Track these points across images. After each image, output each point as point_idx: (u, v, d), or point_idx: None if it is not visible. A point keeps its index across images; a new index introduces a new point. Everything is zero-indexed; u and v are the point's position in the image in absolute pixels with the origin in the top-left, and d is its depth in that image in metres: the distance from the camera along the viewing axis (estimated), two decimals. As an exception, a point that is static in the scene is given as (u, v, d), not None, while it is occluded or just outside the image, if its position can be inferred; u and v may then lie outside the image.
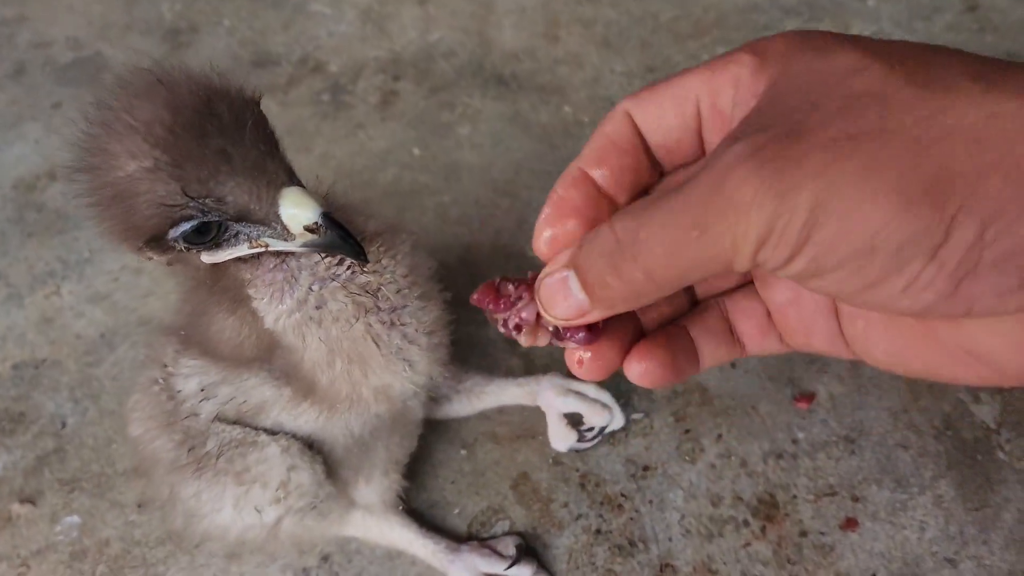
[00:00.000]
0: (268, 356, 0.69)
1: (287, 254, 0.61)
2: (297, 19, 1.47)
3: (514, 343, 1.03)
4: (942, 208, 0.36)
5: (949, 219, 0.36)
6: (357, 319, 0.63)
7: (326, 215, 0.55)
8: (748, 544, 0.89)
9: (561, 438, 0.93)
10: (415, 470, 0.95)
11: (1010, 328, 0.40)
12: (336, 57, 1.40)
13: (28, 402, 1.03)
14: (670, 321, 0.53)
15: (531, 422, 0.97)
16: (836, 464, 0.94)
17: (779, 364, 1.02)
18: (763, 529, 0.90)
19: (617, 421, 0.94)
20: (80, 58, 1.44)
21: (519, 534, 0.90)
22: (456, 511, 0.93)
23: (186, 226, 0.54)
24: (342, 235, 0.55)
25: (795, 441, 0.96)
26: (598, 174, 0.49)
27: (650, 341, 0.51)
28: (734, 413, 0.98)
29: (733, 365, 1.02)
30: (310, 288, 0.63)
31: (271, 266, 0.62)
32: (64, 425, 1.01)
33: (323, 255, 0.61)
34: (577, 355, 0.50)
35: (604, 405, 0.93)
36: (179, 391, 0.72)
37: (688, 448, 0.96)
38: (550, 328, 0.49)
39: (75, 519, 0.93)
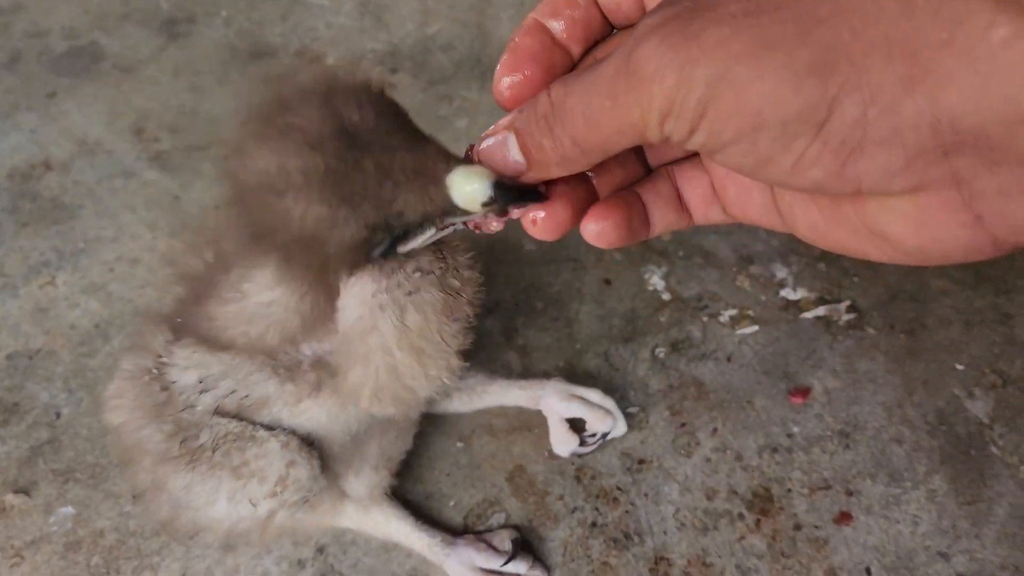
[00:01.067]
0: (274, 351, 0.68)
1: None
2: (295, 10, 1.46)
3: (511, 336, 1.03)
4: (825, 85, 0.36)
5: (831, 97, 0.37)
6: (443, 317, 0.64)
7: (497, 185, 0.52)
8: (743, 538, 0.89)
9: (563, 443, 0.93)
10: (412, 462, 0.95)
11: (905, 207, 0.41)
12: (333, 49, 1.40)
13: (22, 392, 1.03)
14: (624, 188, 0.55)
15: (527, 415, 0.97)
16: (830, 458, 0.94)
17: (774, 358, 1.02)
18: (758, 523, 0.90)
19: (620, 428, 0.94)
20: (76, 47, 1.43)
21: (515, 527, 0.90)
22: (452, 503, 0.93)
23: (380, 248, 0.55)
24: (516, 192, 0.52)
25: (790, 435, 0.96)
26: (553, 24, 0.51)
27: (605, 203, 0.53)
28: (729, 407, 0.98)
29: (729, 359, 1.02)
30: (411, 274, 0.62)
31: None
32: (58, 416, 1.00)
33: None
34: (532, 215, 0.52)
35: (607, 411, 0.92)
36: (174, 382, 0.72)
37: (683, 442, 0.96)
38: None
39: (69, 510, 0.93)
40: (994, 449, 0.94)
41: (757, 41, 0.37)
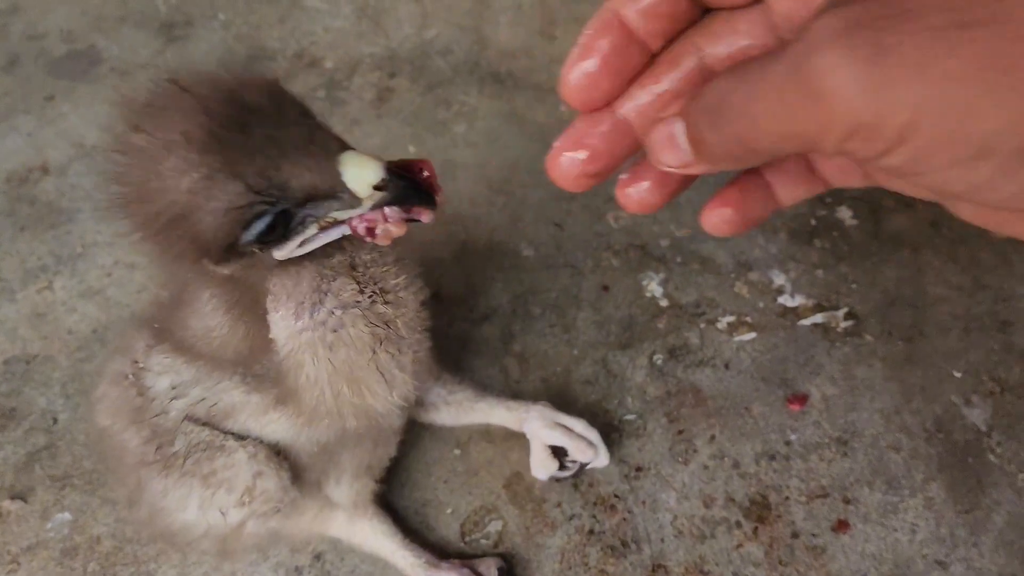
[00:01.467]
0: (246, 361, 0.68)
1: (322, 275, 0.61)
2: (293, 13, 1.46)
3: (509, 342, 1.03)
4: None
5: None
6: (373, 350, 0.63)
7: (389, 167, 0.53)
8: (740, 545, 0.89)
9: (542, 467, 0.91)
10: (409, 468, 0.95)
11: None
12: (331, 53, 1.39)
13: (19, 397, 1.02)
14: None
15: (525, 422, 0.97)
16: (828, 466, 0.94)
17: (772, 365, 1.02)
18: (755, 531, 0.90)
19: (601, 460, 0.91)
20: (74, 51, 1.43)
21: (502, 556, 0.89)
22: (449, 510, 0.93)
23: (260, 224, 0.52)
24: (410, 183, 0.54)
25: (788, 443, 0.96)
26: (631, 12, 0.47)
27: (726, 191, 0.50)
28: (727, 414, 0.98)
29: (727, 366, 1.02)
30: (332, 311, 0.62)
31: (303, 283, 0.61)
32: (56, 421, 1.00)
33: (371, 236, 0.57)
34: (628, 188, 0.50)
35: (590, 443, 0.91)
36: (149, 387, 0.71)
37: (681, 449, 0.96)
38: None
39: (66, 516, 0.93)
40: (992, 457, 0.94)
41: (980, 60, 0.33)
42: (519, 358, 1.04)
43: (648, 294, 1.09)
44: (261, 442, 0.72)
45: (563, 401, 0.99)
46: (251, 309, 0.64)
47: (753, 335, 1.05)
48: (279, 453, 0.74)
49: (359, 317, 0.63)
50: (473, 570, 0.85)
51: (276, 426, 0.71)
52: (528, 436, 0.92)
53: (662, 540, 0.90)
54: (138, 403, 0.71)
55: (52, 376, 1.04)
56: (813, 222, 1.15)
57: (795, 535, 0.90)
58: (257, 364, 0.68)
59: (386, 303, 0.64)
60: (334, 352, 0.63)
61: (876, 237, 1.13)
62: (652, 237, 1.14)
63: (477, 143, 1.25)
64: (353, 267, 0.63)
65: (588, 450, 0.90)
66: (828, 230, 1.13)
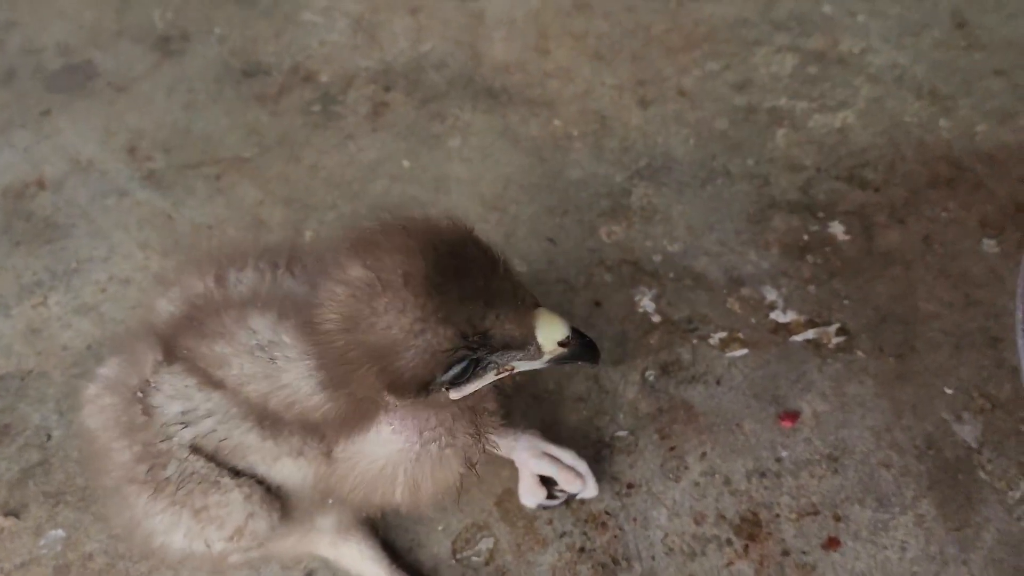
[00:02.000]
0: (310, 431, 0.70)
1: (453, 415, 0.66)
2: (288, 28, 1.47)
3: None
4: None
5: None
6: (454, 479, 0.69)
7: (575, 328, 0.60)
8: (731, 563, 0.89)
9: (530, 495, 0.92)
10: (400, 486, 0.95)
11: None
12: (327, 66, 1.40)
13: (13, 413, 1.03)
14: None
15: (516, 438, 0.97)
16: (819, 483, 0.95)
17: (764, 382, 1.02)
18: (746, 548, 0.90)
19: (590, 490, 0.92)
20: (70, 64, 1.43)
21: None
22: (440, 527, 0.93)
23: (457, 368, 0.57)
24: (587, 344, 0.61)
25: (779, 459, 0.96)
26: None
27: None
28: (719, 431, 0.99)
29: (718, 382, 1.03)
30: (442, 445, 0.68)
31: (432, 417, 0.66)
32: (49, 437, 1.01)
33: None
34: None
35: (578, 474, 0.91)
36: (157, 407, 0.71)
37: (672, 466, 0.96)
38: None
39: (59, 532, 0.93)
40: (982, 474, 0.95)
41: None
42: (511, 375, 1.04)
43: (640, 310, 1.09)
44: (257, 482, 0.72)
45: (555, 418, 1.00)
46: (366, 415, 0.66)
47: (745, 351, 1.05)
48: (275, 493, 0.74)
49: (457, 452, 0.68)
50: None
51: (286, 472, 0.72)
52: (517, 464, 0.92)
53: (653, 558, 0.90)
54: (140, 421, 0.71)
55: (46, 392, 1.04)
56: (805, 237, 1.15)
57: (785, 553, 0.90)
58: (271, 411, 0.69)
59: (483, 440, 0.70)
60: (416, 469, 0.68)
61: (869, 253, 1.13)
62: (645, 252, 1.14)
63: (471, 158, 1.26)
64: (474, 411, 0.68)
65: (576, 480, 0.90)
66: (820, 245, 1.14)
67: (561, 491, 0.91)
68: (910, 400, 1.00)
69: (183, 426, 0.70)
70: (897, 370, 1.03)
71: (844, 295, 1.09)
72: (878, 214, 1.17)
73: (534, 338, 0.59)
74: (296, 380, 0.66)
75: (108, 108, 1.36)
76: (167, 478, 0.71)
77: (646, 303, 1.10)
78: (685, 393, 1.02)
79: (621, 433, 0.99)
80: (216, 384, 0.70)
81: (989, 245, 1.13)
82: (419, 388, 0.59)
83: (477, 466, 0.71)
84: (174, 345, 0.74)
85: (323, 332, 0.59)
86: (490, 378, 0.62)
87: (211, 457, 0.72)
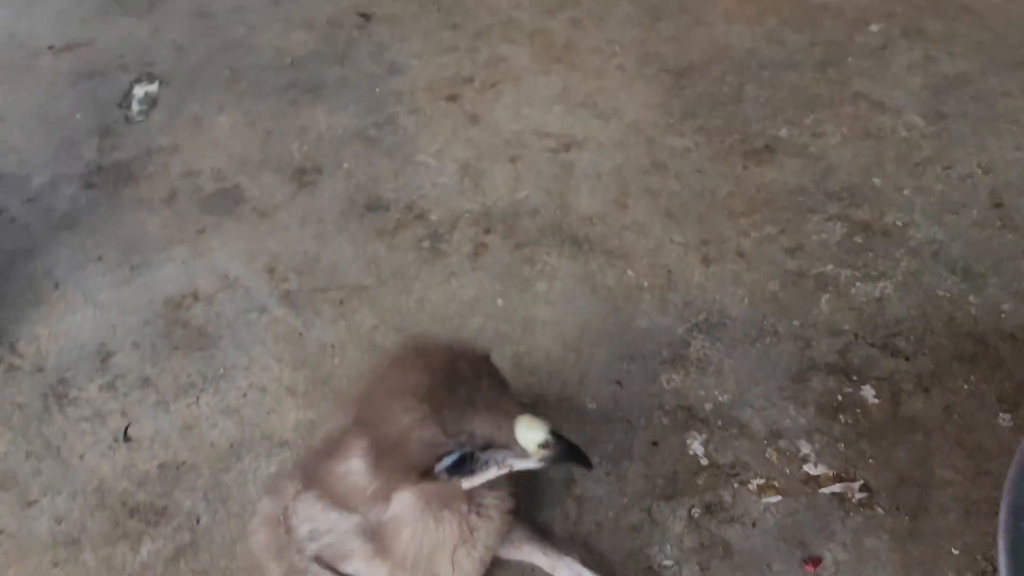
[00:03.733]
0: (366, 510, 0.90)
1: (450, 492, 0.83)
2: (406, 168, 1.71)
3: (570, 486, 1.23)
4: None
5: None
6: (450, 543, 0.87)
7: (554, 432, 0.76)
8: None
9: None
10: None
11: None
12: (437, 207, 1.64)
13: (170, 499, 1.26)
14: None
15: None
16: (834, 624, 1.11)
17: (793, 528, 1.19)
18: (766, 675, 1.07)
19: None
20: (222, 188, 1.70)
21: None
22: (511, 631, 1.12)
23: (448, 460, 0.76)
24: (569, 449, 0.77)
25: (800, 600, 1.14)
26: None
27: None
28: (750, 568, 1.16)
29: (754, 524, 1.20)
30: (442, 510, 0.86)
31: (436, 490, 0.84)
32: (198, 521, 1.23)
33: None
34: None
35: None
36: (294, 528, 0.94)
37: (709, 596, 1.14)
38: None
39: (204, 605, 1.16)
40: (977, 630, 1.10)
41: None
42: (578, 501, 1.24)
43: (691, 452, 1.28)
44: None
45: (612, 544, 1.19)
46: (391, 485, 0.87)
47: (779, 498, 1.23)
48: None
49: (456, 519, 0.87)
50: None
51: (372, 572, 0.93)
52: None
53: (687, 676, 1.08)
54: (283, 541, 0.94)
55: (196, 483, 1.28)
56: (839, 398, 1.33)
57: None
58: (369, 512, 0.90)
59: (478, 515, 0.87)
60: (427, 533, 0.87)
61: (894, 417, 1.30)
62: (698, 401, 1.34)
63: (555, 302, 1.47)
64: (470, 494, 0.86)
65: None
66: (852, 407, 1.31)
67: None
68: (920, 557, 1.16)
69: (311, 541, 0.93)
70: (911, 528, 1.19)
71: (869, 455, 1.26)
72: (906, 382, 1.34)
73: (516, 440, 0.76)
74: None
75: (252, 231, 1.62)
76: None
77: (696, 447, 1.29)
78: (725, 532, 1.20)
79: (667, 562, 1.17)
80: (336, 502, 0.92)
81: (1004, 419, 1.29)
82: (424, 472, 0.78)
83: (472, 538, 0.89)
84: (311, 474, 0.96)
85: (365, 423, 0.80)
86: (493, 473, 0.79)
87: (329, 566, 0.93)
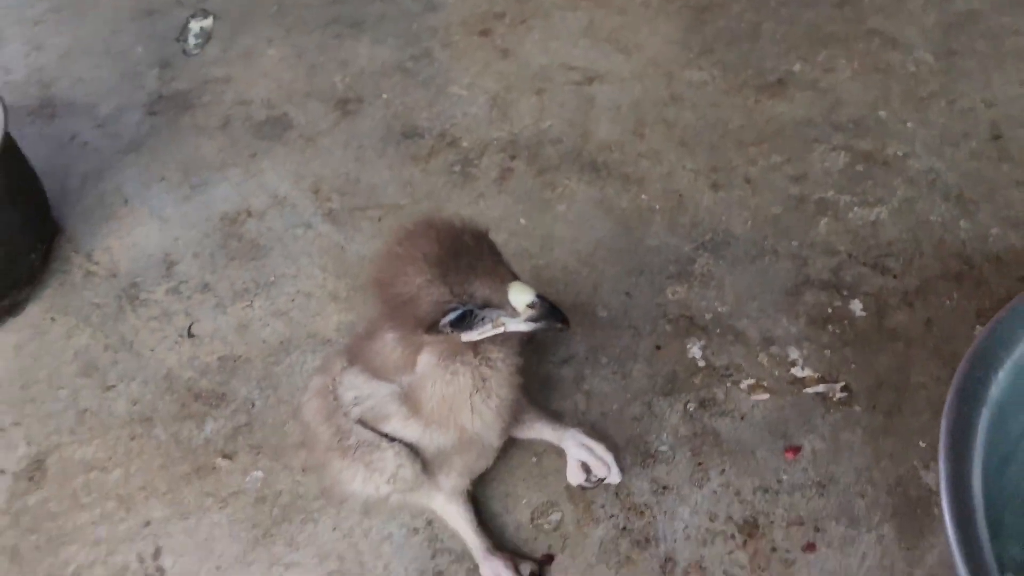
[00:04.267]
0: (399, 377, 1.06)
1: (461, 347, 0.98)
2: (440, 99, 1.85)
3: (580, 382, 1.38)
4: None
5: None
6: (467, 391, 1.01)
7: (539, 296, 0.90)
8: (731, 552, 1.22)
9: (573, 476, 1.26)
10: (499, 469, 1.30)
11: None
12: (467, 135, 1.78)
13: (228, 386, 1.44)
14: None
15: (585, 444, 1.32)
16: (807, 502, 1.26)
17: (777, 422, 1.34)
18: (744, 543, 1.23)
19: (614, 478, 1.25)
20: (272, 116, 1.85)
21: (539, 563, 1.22)
22: (524, 500, 1.29)
23: (452, 315, 0.90)
24: (551, 308, 0.91)
25: (779, 481, 1.28)
26: None
27: None
28: (737, 455, 1.31)
29: (742, 418, 1.35)
30: (455, 361, 1.00)
31: (448, 347, 0.99)
32: (253, 406, 1.41)
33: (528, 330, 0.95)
34: None
35: (606, 463, 1.24)
36: (340, 396, 1.11)
37: (698, 477, 1.29)
38: None
39: (259, 474, 1.34)
40: (936, 511, 1.24)
41: None
42: (587, 395, 1.39)
43: (690, 355, 1.42)
44: (403, 444, 1.10)
45: (616, 430, 1.34)
46: (414, 350, 1.02)
47: (766, 396, 1.37)
48: (415, 452, 1.11)
49: (468, 370, 1.01)
50: (515, 566, 1.19)
51: (410, 431, 1.09)
52: (566, 451, 1.27)
53: (675, 541, 1.24)
54: (332, 407, 1.10)
55: (251, 373, 1.45)
56: (829, 311, 1.46)
57: (774, 549, 1.22)
58: (402, 378, 1.06)
59: (487, 367, 1.01)
60: (448, 385, 1.02)
61: (878, 329, 1.43)
62: (699, 311, 1.47)
63: (573, 222, 1.61)
64: (476, 349, 1.01)
65: (603, 469, 1.23)
66: (840, 319, 1.44)
67: (594, 476, 1.25)
68: (890, 449, 1.30)
69: (355, 406, 1.09)
70: (884, 425, 1.33)
71: (852, 361, 1.40)
72: (892, 297, 1.46)
73: (508, 301, 0.89)
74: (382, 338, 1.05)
75: (299, 155, 1.78)
76: (350, 445, 1.09)
77: (695, 351, 1.43)
78: (716, 424, 1.34)
79: (663, 448, 1.32)
80: (374, 372, 1.08)
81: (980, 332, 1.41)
82: (431, 326, 0.91)
83: (485, 386, 1.02)
84: (355, 353, 1.12)
85: (378, 286, 0.93)
86: (488, 329, 0.92)
87: (372, 428, 1.10)
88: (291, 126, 1.84)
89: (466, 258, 0.89)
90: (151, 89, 1.95)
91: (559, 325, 0.93)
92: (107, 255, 1.64)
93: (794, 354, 1.41)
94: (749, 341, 1.43)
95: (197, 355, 1.48)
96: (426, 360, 1.01)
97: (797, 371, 1.39)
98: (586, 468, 1.25)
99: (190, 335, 1.51)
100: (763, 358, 1.41)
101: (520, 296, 0.90)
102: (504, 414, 1.08)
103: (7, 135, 1.47)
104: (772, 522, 1.25)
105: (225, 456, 1.36)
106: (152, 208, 1.71)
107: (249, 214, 1.68)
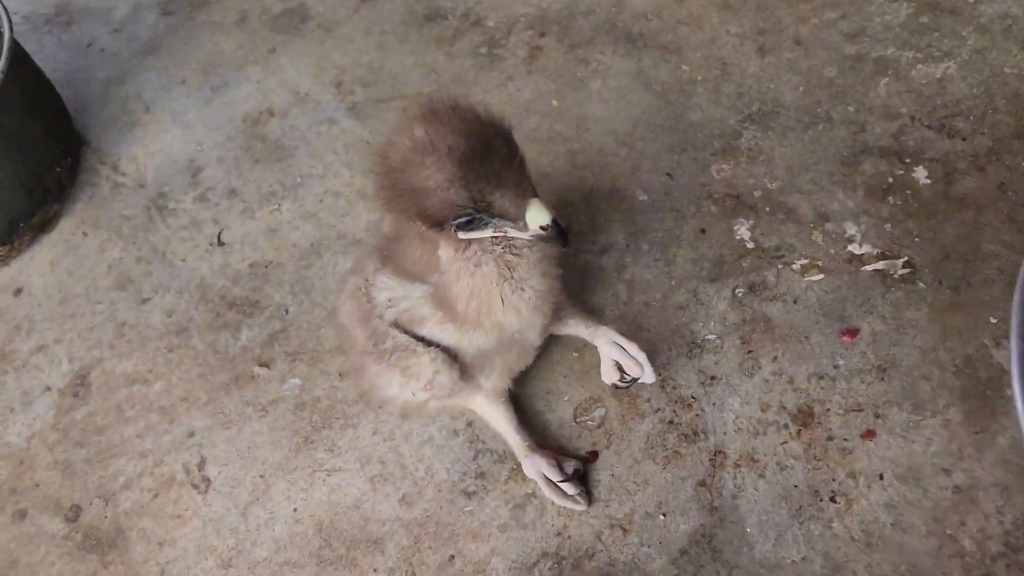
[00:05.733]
0: (429, 277, 1.01)
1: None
2: (462, -26, 1.72)
3: (621, 271, 1.31)
4: None
5: None
6: (495, 282, 0.94)
7: (555, 221, 0.84)
8: (785, 442, 1.16)
9: (607, 375, 1.20)
10: (539, 366, 1.26)
11: None
12: (493, 13, 1.66)
13: (261, 293, 1.41)
14: None
15: (627, 336, 1.26)
16: (867, 388, 1.19)
17: (833, 303, 1.25)
18: (799, 432, 1.17)
19: (648, 377, 1.16)
20: (288, 8, 1.76)
21: (582, 459, 1.19)
22: (566, 397, 1.25)
23: (463, 219, 0.84)
24: (561, 233, 0.85)
25: (836, 367, 1.21)
26: None
27: None
28: (790, 340, 1.24)
29: (795, 301, 1.27)
30: (475, 252, 0.93)
31: (462, 246, 0.92)
32: (287, 312, 1.38)
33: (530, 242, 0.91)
34: None
35: (638, 363, 1.15)
36: (374, 298, 1.06)
37: (748, 365, 1.23)
38: None
39: (296, 381, 1.32)
40: (1008, 392, 1.16)
41: None
42: (628, 284, 1.32)
43: (738, 237, 1.33)
44: (440, 348, 1.05)
45: (660, 320, 1.28)
46: (433, 245, 0.96)
47: (821, 276, 1.28)
48: (453, 356, 1.07)
49: (491, 259, 0.94)
50: (558, 463, 1.16)
51: (447, 335, 1.04)
52: (599, 349, 1.21)
53: (724, 433, 1.18)
54: (366, 309, 1.06)
55: (283, 278, 1.42)
56: (890, 180, 1.34)
57: (830, 438, 1.16)
58: (436, 283, 1.00)
59: (512, 254, 0.94)
60: (473, 278, 0.95)
61: (945, 197, 1.31)
62: (747, 189, 1.37)
63: (608, 99, 1.50)
64: (505, 247, 0.94)
65: (636, 368, 1.16)
66: (902, 189, 1.33)
67: (629, 376, 1.18)
68: (958, 327, 1.21)
69: (389, 308, 1.04)
70: (951, 300, 1.23)
71: (916, 234, 1.29)
72: (960, 161, 1.34)
73: (523, 217, 0.84)
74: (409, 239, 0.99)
75: (319, 47, 1.69)
76: (386, 349, 1.05)
77: (743, 232, 1.34)
78: (766, 308, 1.27)
79: (711, 337, 1.26)
80: (405, 274, 1.03)
81: (1060, 194, 1.28)
82: (435, 224, 0.85)
83: (514, 275, 0.95)
84: (386, 255, 1.07)
85: (385, 164, 0.85)
86: (488, 232, 0.87)
87: (407, 331, 1.05)
88: (308, 16, 1.74)
89: (493, 163, 0.81)
90: (164, -14, 1.87)
91: (561, 245, 0.88)
92: (133, 164, 1.60)
93: (851, 230, 1.31)
94: (801, 218, 1.33)
95: (228, 262, 1.45)
96: (446, 255, 0.95)
97: (855, 248, 1.29)
98: (620, 367, 1.20)
99: (220, 243, 1.48)
100: (817, 236, 1.32)
101: (537, 216, 0.84)
102: (543, 307, 1.02)
103: (14, 43, 1.41)
104: (828, 410, 1.18)
105: (262, 364, 1.34)
106: (174, 113, 1.66)
107: (271, 113, 1.62)
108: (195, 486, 1.25)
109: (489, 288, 0.95)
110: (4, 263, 1.51)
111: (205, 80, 1.69)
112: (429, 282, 1.01)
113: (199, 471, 1.27)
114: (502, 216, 0.84)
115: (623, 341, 1.17)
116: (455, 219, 0.84)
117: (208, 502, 1.24)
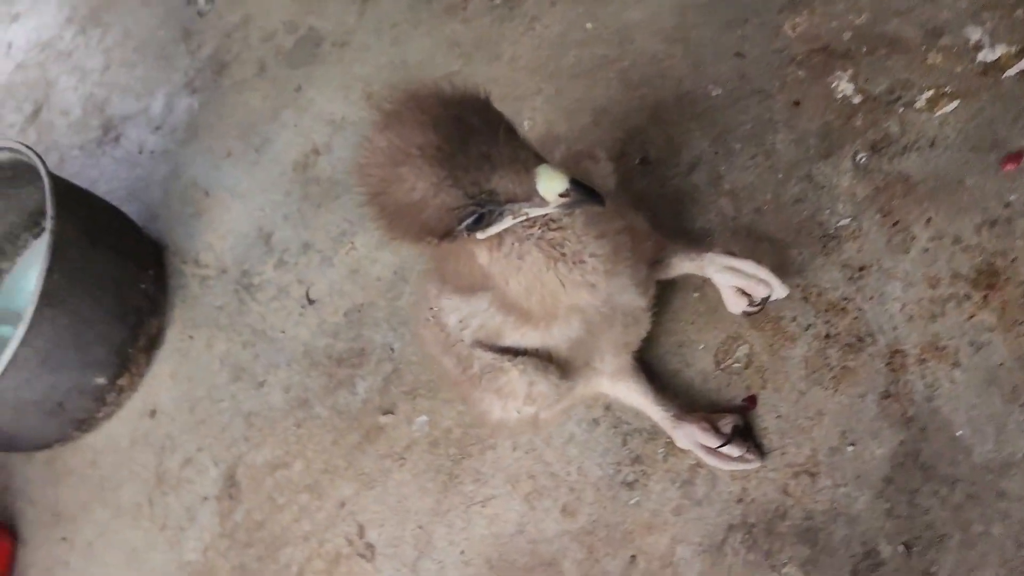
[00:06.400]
0: (485, 286, 0.88)
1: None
2: (452, -71, 1.56)
3: (718, 184, 1.13)
4: None
5: None
6: (547, 268, 0.80)
7: (574, 181, 0.70)
8: (972, 316, 0.95)
9: (732, 305, 1.03)
10: (660, 320, 1.10)
11: None
12: (494, -44, 1.49)
13: (363, 339, 1.34)
14: None
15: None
16: (1055, 216, 0.95)
17: (980, 130, 1.02)
18: (985, 298, 0.95)
19: (778, 292, 0.99)
20: (299, 38, 1.67)
21: (740, 412, 1.02)
22: (701, 346, 1.09)
23: (470, 220, 0.72)
24: (587, 193, 0.70)
25: (1007, 205, 0.98)
26: None
27: None
28: (940, 194, 1.01)
29: (932, 145, 1.04)
30: (512, 243, 0.80)
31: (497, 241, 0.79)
32: (393, 350, 1.30)
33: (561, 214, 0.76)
34: None
35: (761, 279, 0.99)
36: (446, 324, 0.95)
37: (899, 240, 1.02)
38: None
39: (423, 418, 1.24)
40: None
41: None
42: (730, 196, 1.14)
43: (839, 95, 1.11)
44: (529, 356, 0.93)
45: (778, 224, 1.09)
46: (468, 254, 0.83)
47: (955, 104, 1.04)
48: (548, 358, 0.94)
49: (533, 245, 0.79)
50: (712, 424, 1.00)
51: (529, 338, 0.92)
52: (714, 281, 1.04)
53: (895, 328, 0.99)
54: (442, 337, 0.95)
55: (378, 316, 1.34)
56: (1006, -44, 1.07)
57: (1027, 293, 0.94)
58: (489, 285, 0.88)
59: (553, 230, 0.79)
60: (522, 272, 0.81)
61: (1083, -52, 1.03)
62: (832, 34, 1.14)
63: (644, -1, 1.30)
64: (544, 227, 0.79)
65: (761, 287, 0.99)
66: (1024, -40, 1.06)
67: (757, 298, 1.01)
68: None
69: (463, 329, 0.93)
70: None
71: (1059, 8, 1.02)
72: None
73: (536, 192, 0.69)
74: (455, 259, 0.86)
75: (339, 66, 1.59)
76: (475, 374, 0.94)
77: (844, 87, 1.11)
78: (899, 166, 1.05)
79: (844, 222, 1.05)
80: (465, 291, 0.91)
81: None
82: (444, 235, 0.72)
83: (564, 252, 0.81)
84: (441, 275, 0.95)
85: (365, 191, 0.73)
86: (508, 222, 0.73)
87: (491, 347, 0.94)
88: (320, 38, 1.64)
89: (476, 145, 0.68)
90: (185, 66, 1.82)
91: (595, 204, 0.72)
92: (211, 253, 1.57)
93: (975, 35, 1.06)
94: (909, 44, 1.09)
95: (324, 318, 1.39)
96: (484, 259, 0.82)
97: (985, 55, 1.04)
98: (745, 292, 1.02)
99: (310, 302, 1.42)
100: (934, 58, 1.07)
101: (551, 184, 0.69)
102: (618, 268, 0.87)
103: (54, 182, 1.39)
104: (1014, 260, 0.95)
105: (386, 412, 1.27)
106: (230, 188, 1.62)
107: (316, 152, 1.54)
108: (361, 555, 1.21)
109: (543, 276, 0.81)
110: (132, 390, 1.52)
111: (247, 144, 1.64)
112: (487, 288, 0.89)
113: (360, 539, 1.22)
114: (512, 199, 0.71)
115: (734, 262, 1.00)
116: (461, 222, 0.71)
117: (378, 568, 1.19)
